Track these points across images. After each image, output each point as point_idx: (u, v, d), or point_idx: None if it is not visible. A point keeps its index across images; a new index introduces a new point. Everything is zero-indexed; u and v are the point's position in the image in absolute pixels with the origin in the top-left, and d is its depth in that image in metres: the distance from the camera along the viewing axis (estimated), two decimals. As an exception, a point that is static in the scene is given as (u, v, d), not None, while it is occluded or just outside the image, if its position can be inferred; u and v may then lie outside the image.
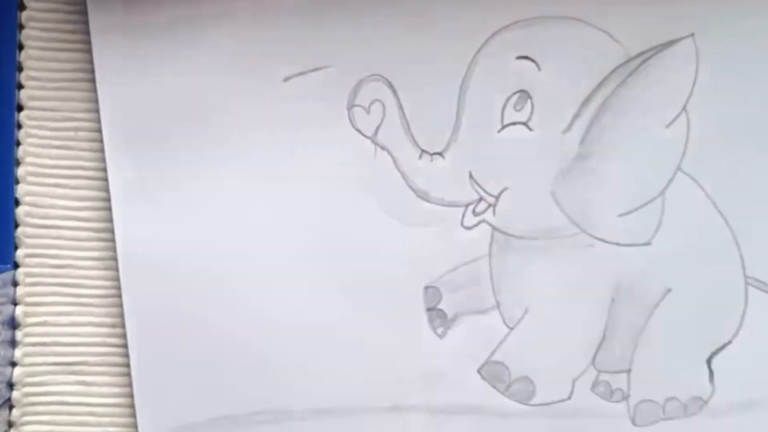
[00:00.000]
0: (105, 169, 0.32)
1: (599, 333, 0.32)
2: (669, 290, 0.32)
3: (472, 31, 0.32)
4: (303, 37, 0.32)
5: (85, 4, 0.31)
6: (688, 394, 0.32)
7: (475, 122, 0.32)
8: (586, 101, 0.32)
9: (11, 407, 0.32)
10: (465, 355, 0.32)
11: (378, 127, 0.32)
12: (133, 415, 0.32)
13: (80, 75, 0.32)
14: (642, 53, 0.32)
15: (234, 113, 0.32)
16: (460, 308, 0.32)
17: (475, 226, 0.32)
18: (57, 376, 0.32)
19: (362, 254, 0.32)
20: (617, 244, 0.32)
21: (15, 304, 0.32)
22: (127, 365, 0.32)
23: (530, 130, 0.32)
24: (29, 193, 0.32)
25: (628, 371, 0.32)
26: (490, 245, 0.32)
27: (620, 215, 0.32)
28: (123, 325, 0.32)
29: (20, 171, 0.32)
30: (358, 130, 0.32)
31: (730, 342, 0.32)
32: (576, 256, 0.32)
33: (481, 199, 0.32)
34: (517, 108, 0.32)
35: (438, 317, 0.32)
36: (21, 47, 0.32)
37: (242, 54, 0.32)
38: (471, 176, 0.32)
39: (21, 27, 0.32)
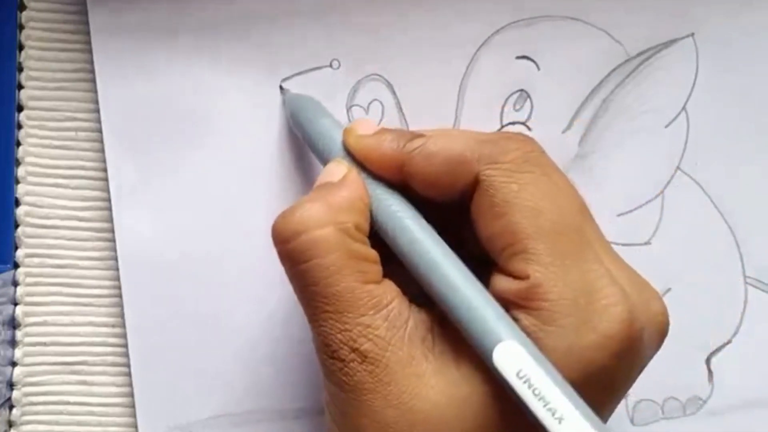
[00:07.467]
0: (105, 169, 0.32)
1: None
2: (668, 290, 0.32)
3: (472, 31, 0.32)
4: (303, 37, 0.32)
5: (85, 4, 0.31)
6: (687, 394, 0.32)
7: (475, 122, 0.32)
8: (586, 101, 0.32)
9: (11, 407, 0.32)
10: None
11: (377, 127, 0.32)
12: (133, 415, 0.32)
13: (80, 75, 0.32)
14: (642, 53, 0.32)
15: (234, 113, 0.32)
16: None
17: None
18: (57, 375, 0.32)
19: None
20: (616, 243, 0.31)
21: (15, 304, 0.32)
22: (127, 365, 0.32)
23: (529, 129, 0.32)
24: (29, 193, 0.32)
25: (628, 371, 0.32)
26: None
27: (619, 215, 0.32)
28: (123, 325, 0.32)
29: (20, 171, 0.32)
30: (358, 130, 0.32)
31: (729, 342, 0.32)
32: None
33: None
34: (517, 108, 0.32)
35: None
36: (21, 47, 0.32)
37: (242, 54, 0.32)
38: (470, 176, 0.32)
39: (21, 27, 0.32)
